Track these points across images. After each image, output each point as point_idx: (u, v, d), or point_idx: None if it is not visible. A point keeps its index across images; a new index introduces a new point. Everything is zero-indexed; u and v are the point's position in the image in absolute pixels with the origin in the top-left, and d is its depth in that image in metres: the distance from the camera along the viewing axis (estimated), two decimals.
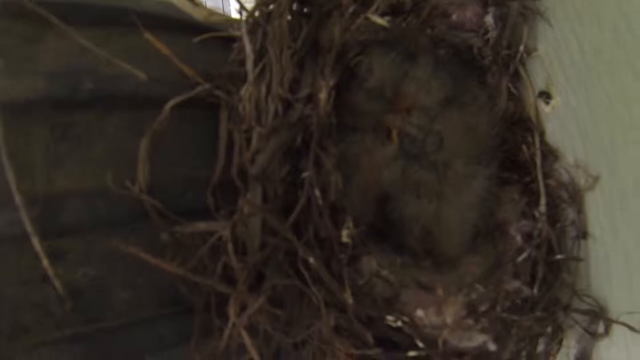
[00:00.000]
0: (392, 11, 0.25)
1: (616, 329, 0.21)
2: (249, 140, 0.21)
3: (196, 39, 0.24)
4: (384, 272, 0.21)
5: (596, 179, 0.22)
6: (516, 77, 0.26)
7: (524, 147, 0.25)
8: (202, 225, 0.20)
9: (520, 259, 0.23)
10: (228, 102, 0.22)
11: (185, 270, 0.19)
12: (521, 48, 0.25)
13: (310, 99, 0.21)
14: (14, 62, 0.20)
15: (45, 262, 0.19)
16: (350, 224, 0.20)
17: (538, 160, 0.24)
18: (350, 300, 0.19)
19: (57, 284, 0.19)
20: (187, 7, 0.22)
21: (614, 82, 0.21)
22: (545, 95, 0.24)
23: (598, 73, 0.22)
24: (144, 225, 0.20)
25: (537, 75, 0.25)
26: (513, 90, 0.25)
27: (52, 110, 0.20)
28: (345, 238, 0.20)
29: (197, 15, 0.23)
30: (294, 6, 0.23)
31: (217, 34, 0.24)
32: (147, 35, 0.22)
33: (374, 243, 0.23)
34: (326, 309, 0.19)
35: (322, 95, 0.21)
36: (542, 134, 0.25)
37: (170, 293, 0.20)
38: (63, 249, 0.19)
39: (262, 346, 0.19)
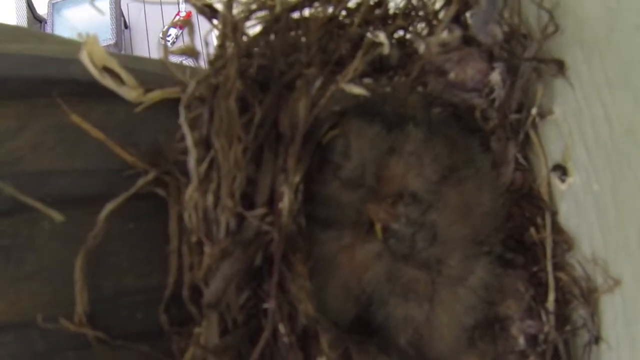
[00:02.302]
0: (374, 69, 0.20)
1: None
2: (201, 256, 0.17)
3: (138, 109, 0.20)
4: None
5: (617, 282, 0.19)
6: (526, 142, 0.21)
7: (532, 229, 0.21)
8: None
9: None
10: (176, 199, 0.18)
11: None
12: (534, 110, 0.20)
13: (270, 208, 0.17)
14: None
15: None
16: (327, 353, 0.17)
17: (548, 249, 0.20)
18: None
19: None
20: (113, 87, 0.18)
21: None
22: (561, 171, 0.20)
23: (629, 157, 0.17)
24: (92, 352, 0.18)
25: (552, 142, 0.21)
26: (521, 160, 0.21)
27: None
28: None
29: (126, 95, 0.18)
30: (248, 73, 0.18)
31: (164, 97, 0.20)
32: (74, 117, 0.18)
33: (356, 344, 0.20)
34: None
35: (285, 204, 0.17)
36: (554, 214, 0.21)
37: None
38: None
39: None
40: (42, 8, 1.13)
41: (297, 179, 0.17)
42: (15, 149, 0.18)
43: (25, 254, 0.17)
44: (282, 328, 0.16)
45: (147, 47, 1.12)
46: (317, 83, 0.18)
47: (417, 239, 0.19)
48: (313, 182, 0.19)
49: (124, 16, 1.14)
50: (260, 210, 0.16)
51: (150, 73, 0.21)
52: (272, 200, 0.17)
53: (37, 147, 0.19)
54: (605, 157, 0.18)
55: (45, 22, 1.11)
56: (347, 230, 0.19)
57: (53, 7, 1.13)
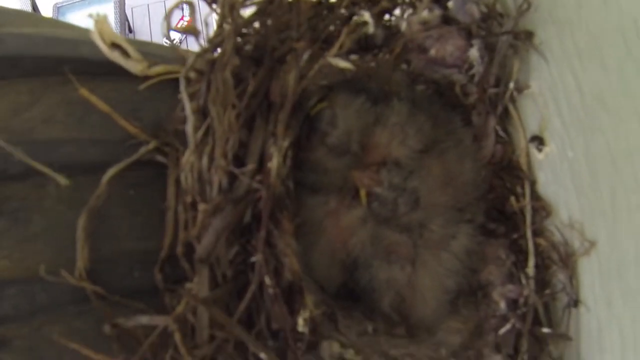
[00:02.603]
0: (360, 47, 0.21)
1: None
2: (195, 214, 0.19)
3: (142, 86, 0.21)
4: (349, 354, 0.19)
5: (592, 244, 0.19)
6: (505, 116, 0.22)
7: (512, 198, 0.22)
8: (144, 320, 0.18)
9: (503, 330, 0.20)
10: (174, 164, 0.20)
11: None
12: (511, 85, 0.21)
13: (260, 169, 0.18)
14: None
15: None
16: (310, 308, 0.18)
17: (528, 216, 0.21)
18: None
19: None
20: (120, 61, 0.19)
21: (618, 135, 0.18)
22: (538, 141, 0.21)
23: (600, 122, 0.18)
24: (90, 307, 0.19)
25: (530, 115, 0.22)
26: (501, 132, 0.22)
27: None
28: (301, 327, 0.18)
29: (132, 68, 0.19)
30: (243, 50, 0.19)
31: (166, 76, 0.21)
32: (83, 91, 0.20)
33: (342, 309, 0.21)
34: None
35: (273, 164, 0.18)
36: (533, 183, 0.22)
37: None
38: (6, 337, 0.18)
39: None
40: (46, 11, 1.15)
41: (285, 143, 0.19)
42: (28, 120, 0.20)
43: (33, 216, 0.18)
44: (267, 280, 0.17)
45: None
46: (306, 56, 0.19)
47: (399, 203, 0.20)
48: (302, 151, 0.20)
49: (128, 20, 1.17)
50: (250, 167, 0.18)
51: (155, 55, 0.22)
52: (262, 162, 0.18)
53: (48, 119, 0.20)
54: (578, 124, 0.19)
55: None
56: (333, 195, 0.21)
57: (58, 10, 1.16)
